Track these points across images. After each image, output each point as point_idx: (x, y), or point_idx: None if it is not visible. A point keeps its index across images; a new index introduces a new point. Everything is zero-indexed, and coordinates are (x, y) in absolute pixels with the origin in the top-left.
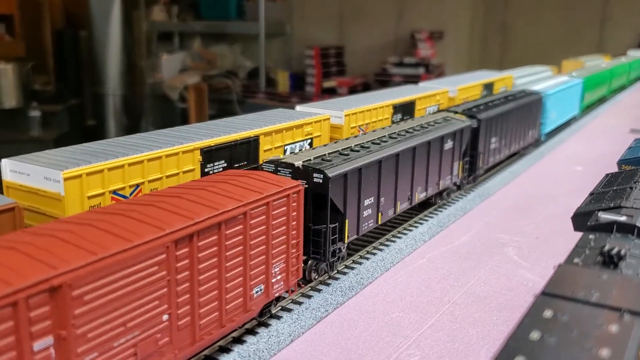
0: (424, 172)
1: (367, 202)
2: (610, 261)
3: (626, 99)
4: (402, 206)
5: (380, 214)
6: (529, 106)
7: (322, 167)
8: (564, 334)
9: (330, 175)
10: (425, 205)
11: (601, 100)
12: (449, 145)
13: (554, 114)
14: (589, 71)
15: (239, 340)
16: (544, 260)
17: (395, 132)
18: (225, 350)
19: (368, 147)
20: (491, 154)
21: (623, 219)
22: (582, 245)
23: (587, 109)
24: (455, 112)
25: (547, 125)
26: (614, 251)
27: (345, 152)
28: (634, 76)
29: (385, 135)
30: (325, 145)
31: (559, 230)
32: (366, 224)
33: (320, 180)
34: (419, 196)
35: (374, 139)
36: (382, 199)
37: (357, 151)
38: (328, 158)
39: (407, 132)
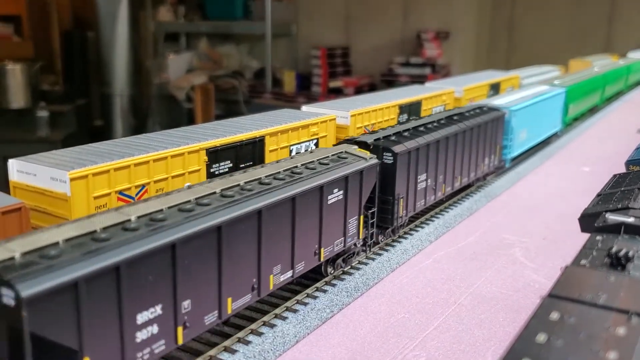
0: (287, 243)
1: (144, 316)
2: (618, 263)
3: (634, 99)
4: (240, 301)
5: (182, 327)
6: (484, 127)
7: (12, 278)
8: (570, 337)
9: (24, 294)
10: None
11: (592, 111)
12: (336, 196)
13: (523, 134)
14: (576, 78)
15: (243, 341)
16: (551, 261)
17: (237, 187)
18: (230, 350)
19: (161, 220)
20: (420, 195)
21: (631, 220)
22: (590, 246)
23: (574, 122)
24: (362, 144)
25: (514, 148)
26: (622, 253)
27: (103, 237)
28: (634, 80)
29: (215, 193)
30: (88, 219)
31: (566, 231)
32: (145, 352)
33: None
34: (279, 279)
35: (188, 202)
36: (184, 304)
37: (133, 230)
38: (53, 253)
39: (261, 183)
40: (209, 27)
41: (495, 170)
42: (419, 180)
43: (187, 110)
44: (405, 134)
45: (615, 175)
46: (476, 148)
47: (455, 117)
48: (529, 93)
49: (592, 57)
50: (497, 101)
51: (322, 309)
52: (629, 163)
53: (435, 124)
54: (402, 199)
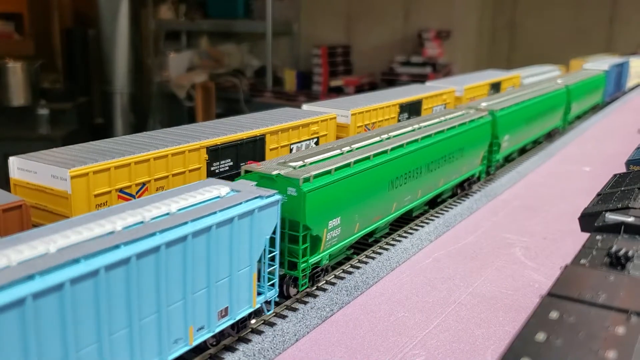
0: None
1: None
2: (618, 262)
3: (635, 100)
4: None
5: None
6: None
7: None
8: (570, 336)
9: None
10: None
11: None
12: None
13: None
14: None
15: (244, 339)
16: (551, 260)
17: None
18: (231, 349)
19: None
20: None
21: (631, 219)
22: (589, 246)
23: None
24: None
25: None
26: (622, 252)
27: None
28: (587, 106)
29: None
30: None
31: (566, 230)
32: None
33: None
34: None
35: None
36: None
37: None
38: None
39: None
40: (210, 26)
41: None
42: None
43: (187, 108)
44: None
45: (615, 175)
46: None
47: None
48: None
49: (592, 57)
50: None
51: (322, 308)
52: (629, 163)
53: None
54: None
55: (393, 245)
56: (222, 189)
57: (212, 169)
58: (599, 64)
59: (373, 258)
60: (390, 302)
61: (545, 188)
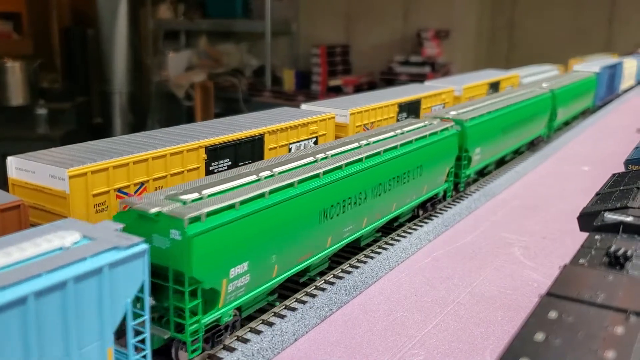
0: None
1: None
2: (617, 262)
3: (633, 100)
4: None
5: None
6: None
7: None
8: (569, 335)
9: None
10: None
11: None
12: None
13: None
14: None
15: (242, 339)
16: (550, 260)
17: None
18: (229, 349)
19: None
20: None
21: (629, 219)
22: (588, 245)
23: None
24: None
25: None
26: (620, 252)
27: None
28: (576, 111)
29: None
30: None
31: (566, 230)
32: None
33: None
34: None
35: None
36: None
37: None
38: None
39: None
40: (209, 25)
41: None
42: None
43: (186, 108)
44: None
45: (614, 175)
46: None
47: None
48: None
49: (592, 57)
50: None
51: (321, 307)
52: (628, 162)
53: None
54: None
55: (392, 244)
56: (69, 237)
57: (211, 168)
58: (590, 66)
59: (372, 258)
60: (389, 302)
61: (544, 188)
